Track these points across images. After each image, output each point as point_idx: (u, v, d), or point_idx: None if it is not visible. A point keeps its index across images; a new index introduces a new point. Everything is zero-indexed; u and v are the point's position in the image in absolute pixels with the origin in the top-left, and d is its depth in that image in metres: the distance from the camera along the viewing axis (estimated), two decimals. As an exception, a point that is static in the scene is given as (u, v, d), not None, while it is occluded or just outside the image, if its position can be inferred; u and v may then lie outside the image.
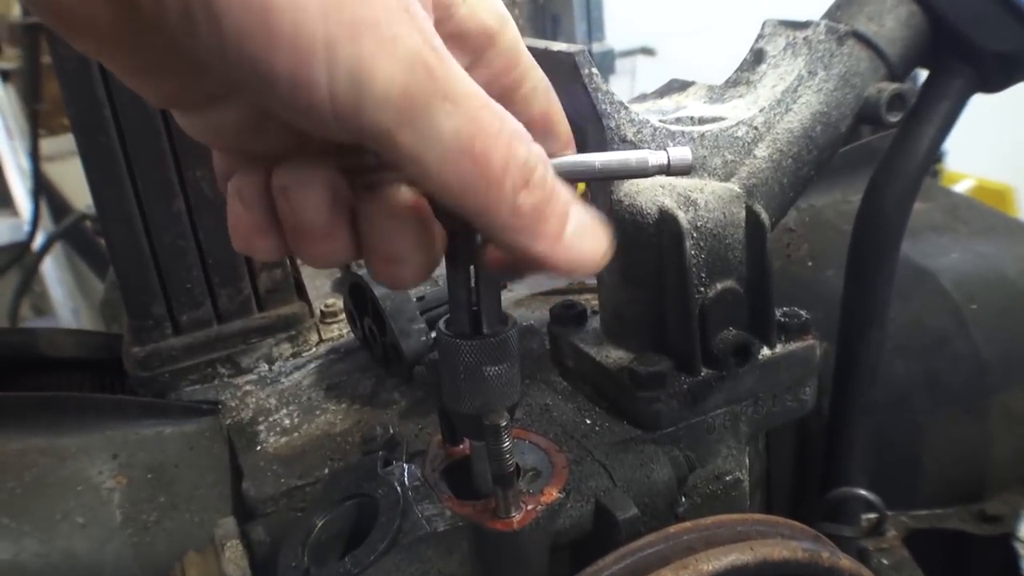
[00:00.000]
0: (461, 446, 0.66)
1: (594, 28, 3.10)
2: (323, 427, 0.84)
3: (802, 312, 0.76)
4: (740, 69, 0.82)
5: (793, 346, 0.75)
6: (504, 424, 0.54)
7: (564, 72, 0.65)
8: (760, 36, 0.82)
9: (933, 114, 0.80)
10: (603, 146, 0.68)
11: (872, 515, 0.89)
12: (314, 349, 0.98)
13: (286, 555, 0.60)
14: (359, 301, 0.92)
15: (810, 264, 1.09)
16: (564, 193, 0.44)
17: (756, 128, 0.74)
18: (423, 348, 0.86)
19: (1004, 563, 1.00)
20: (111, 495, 0.79)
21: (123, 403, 0.87)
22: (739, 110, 0.76)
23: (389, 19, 0.36)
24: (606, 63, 3.09)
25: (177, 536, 0.78)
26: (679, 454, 0.69)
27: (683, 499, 0.69)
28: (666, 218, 0.68)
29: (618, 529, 0.61)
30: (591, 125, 0.68)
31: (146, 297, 0.90)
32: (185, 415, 0.88)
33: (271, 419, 0.86)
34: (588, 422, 0.74)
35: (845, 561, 0.60)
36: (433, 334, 0.85)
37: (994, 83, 0.80)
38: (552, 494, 0.61)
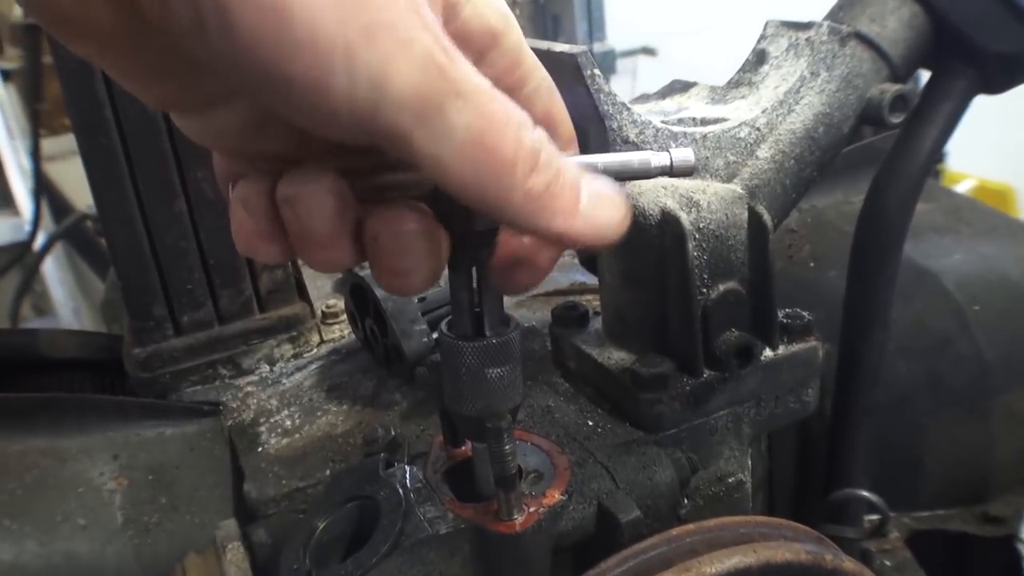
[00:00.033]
0: (463, 448, 0.66)
1: (595, 28, 3.10)
2: (324, 428, 0.84)
3: (804, 313, 0.76)
4: (742, 70, 0.82)
5: (795, 347, 0.74)
6: (506, 426, 0.54)
7: (566, 73, 0.65)
8: (762, 37, 0.82)
9: (936, 115, 0.80)
10: (605, 147, 0.68)
11: (874, 516, 0.89)
12: (315, 350, 0.98)
13: (287, 557, 0.60)
14: (360, 302, 0.92)
15: (812, 265, 1.09)
16: (572, 168, 0.45)
17: (758, 129, 0.74)
18: (425, 349, 0.86)
19: (1007, 565, 1.00)
20: (112, 496, 0.79)
21: (124, 404, 0.86)
22: (741, 111, 0.76)
23: (404, 21, 0.37)
24: (607, 63, 3.09)
25: (178, 538, 0.78)
26: (681, 456, 0.69)
27: (685, 501, 0.69)
28: (668, 219, 0.68)
29: (620, 531, 0.61)
30: (593, 126, 0.68)
31: (147, 298, 0.90)
32: (186, 416, 0.87)
33: (272, 420, 0.86)
34: (590, 424, 0.73)
35: (848, 563, 0.60)
36: (435, 335, 0.85)
37: (997, 84, 0.80)
38: (554, 496, 0.60)
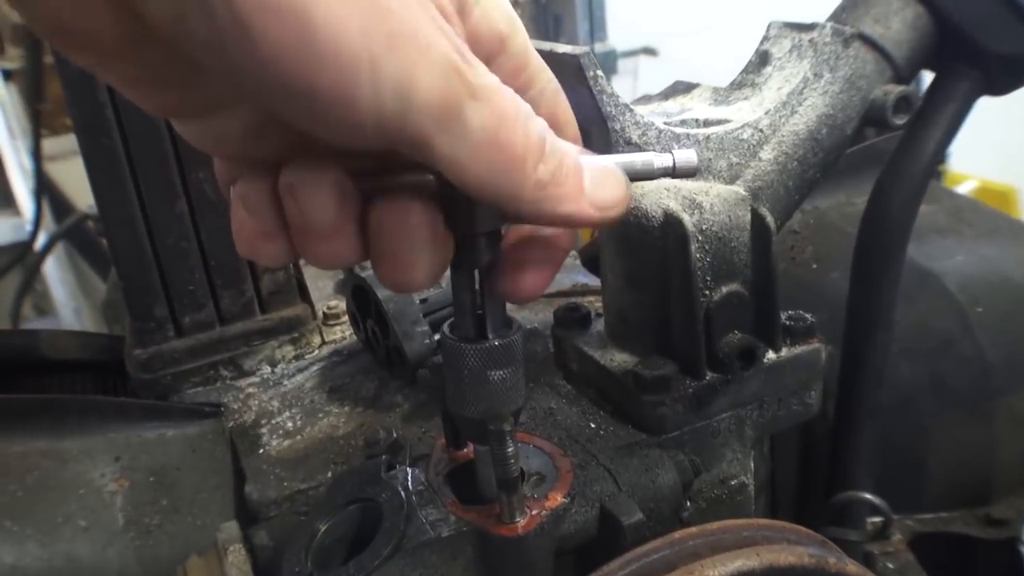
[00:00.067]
0: (465, 450, 0.65)
1: (596, 28, 3.09)
2: (326, 430, 0.84)
3: (807, 315, 0.75)
4: (745, 71, 0.82)
5: (798, 350, 0.74)
6: (509, 429, 0.54)
7: (569, 74, 0.65)
8: (765, 38, 0.82)
9: (939, 117, 0.79)
10: (608, 148, 0.68)
11: (877, 519, 0.89)
12: (317, 351, 0.98)
13: (289, 560, 0.60)
14: (362, 303, 0.91)
15: (814, 266, 1.09)
16: (571, 151, 0.46)
17: (761, 131, 0.74)
18: (426, 351, 0.85)
19: (1010, 567, 1.00)
20: (113, 498, 0.79)
21: (125, 405, 0.86)
22: (744, 112, 0.76)
23: (423, 28, 0.37)
24: (608, 63, 3.08)
25: (179, 540, 0.78)
26: (684, 458, 0.69)
27: (688, 504, 0.69)
28: (671, 221, 0.68)
29: (623, 534, 0.61)
30: (596, 127, 0.67)
31: (148, 299, 0.90)
32: (187, 418, 0.87)
33: (274, 422, 0.86)
34: (592, 426, 0.73)
35: (852, 567, 0.60)
36: (436, 337, 0.85)
37: (1001, 86, 0.79)
38: (557, 499, 0.60)
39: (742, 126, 0.73)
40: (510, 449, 0.54)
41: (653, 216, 0.69)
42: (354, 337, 0.99)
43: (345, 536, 0.63)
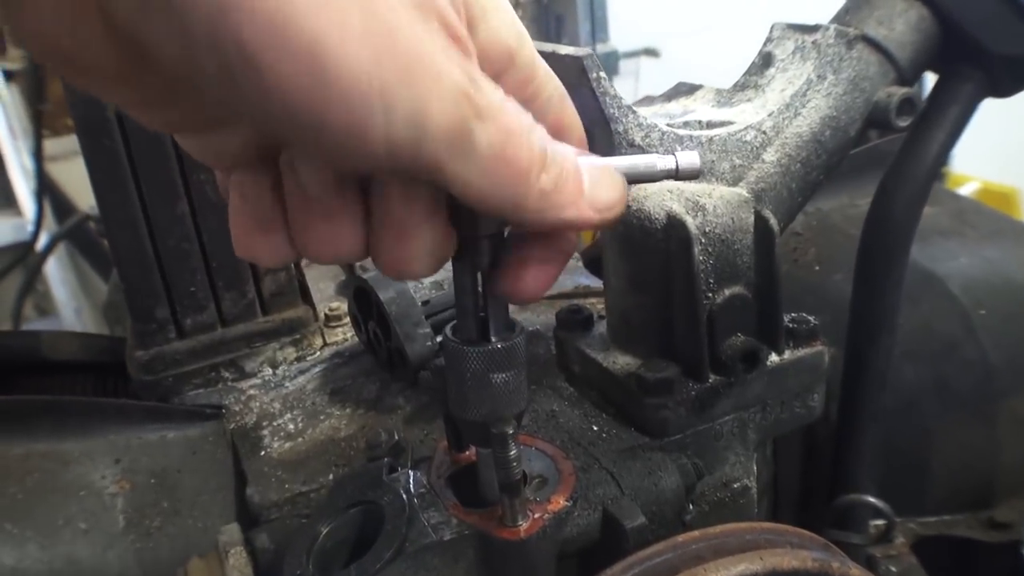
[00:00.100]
0: (467, 453, 0.65)
1: (598, 29, 3.09)
2: (327, 432, 0.83)
3: (810, 318, 0.75)
4: (748, 73, 0.82)
5: (801, 352, 0.74)
6: (511, 432, 0.54)
7: (572, 75, 0.65)
8: (768, 40, 0.82)
9: (943, 119, 0.79)
10: (611, 150, 0.67)
11: (880, 522, 0.88)
12: (318, 353, 0.98)
13: (290, 563, 0.60)
14: (364, 305, 0.91)
15: (817, 268, 1.08)
16: (569, 155, 0.46)
17: (765, 132, 0.74)
18: (428, 353, 0.85)
19: (1012, 570, 1.00)
20: (114, 500, 0.79)
21: (126, 407, 0.86)
22: (747, 114, 0.75)
23: (433, 54, 0.37)
24: (610, 64, 3.08)
25: (180, 542, 0.78)
26: (687, 461, 0.69)
27: (691, 507, 0.69)
28: (674, 223, 0.67)
29: (626, 538, 0.60)
30: (599, 129, 0.67)
31: (150, 300, 0.90)
32: (188, 419, 0.87)
33: (275, 424, 0.86)
34: (595, 429, 0.73)
35: (855, 571, 0.60)
36: (438, 338, 0.85)
37: (1005, 88, 0.79)
38: (559, 502, 0.60)
39: (745, 128, 0.73)
40: (512, 452, 0.54)
41: (656, 218, 0.69)
42: (356, 339, 0.98)
43: (347, 539, 0.63)
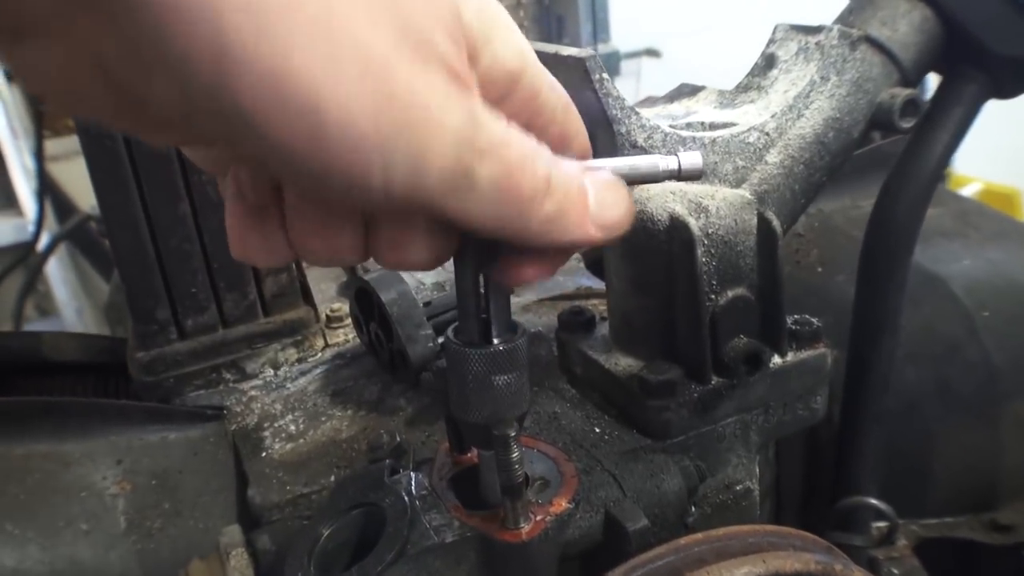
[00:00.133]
0: (469, 454, 0.65)
1: (599, 29, 3.08)
2: (329, 433, 0.83)
3: (813, 320, 0.75)
4: (751, 74, 0.81)
5: (804, 354, 0.74)
6: (513, 434, 0.53)
7: (574, 77, 0.65)
8: (771, 41, 0.82)
9: (947, 120, 0.79)
10: (613, 151, 0.67)
11: (882, 524, 0.88)
12: (320, 354, 0.98)
13: (292, 564, 0.60)
14: (365, 306, 0.91)
15: (819, 270, 1.08)
16: (574, 174, 0.46)
17: (768, 134, 0.73)
18: (430, 354, 0.85)
19: (1015, 573, 0.99)
20: (115, 501, 0.79)
21: (127, 408, 0.86)
22: (750, 115, 0.75)
23: (432, 102, 0.37)
24: (611, 64, 3.08)
25: (181, 543, 0.77)
26: (689, 463, 0.69)
27: (693, 509, 0.69)
28: (677, 225, 0.67)
29: (628, 540, 0.60)
30: (601, 130, 0.67)
31: (151, 301, 0.89)
32: (190, 421, 0.87)
33: (276, 425, 0.85)
34: (597, 431, 0.73)
35: (858, 574, 0.59)
36: (440, 340, 0.85)
37: (1009, 89, 0.79)
38: (561, 504, 0.60)
39: (748, 129, 0.73)
40: (515, 454, 0.54)
41: (659, 220, 0.68)
42: (357, 340, 0.98)
43: (348, 541, 0.63)
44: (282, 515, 0.73)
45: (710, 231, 0.68)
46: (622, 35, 3.22)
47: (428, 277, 1.11)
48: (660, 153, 0.68)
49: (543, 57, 0.49)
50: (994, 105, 0.82)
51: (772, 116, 0.74)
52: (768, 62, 0.81)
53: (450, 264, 0.52)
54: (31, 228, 2.61)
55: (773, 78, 0.79)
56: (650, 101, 0.86)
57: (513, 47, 0.45)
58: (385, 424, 0.83)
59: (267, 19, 0.32)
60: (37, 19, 0.32)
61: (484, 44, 0.42)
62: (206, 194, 0.88)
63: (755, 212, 0.69)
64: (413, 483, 0.64)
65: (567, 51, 0.65)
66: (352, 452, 0.80)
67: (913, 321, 0.98)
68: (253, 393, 0.92)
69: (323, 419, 0.86)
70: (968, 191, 2.68)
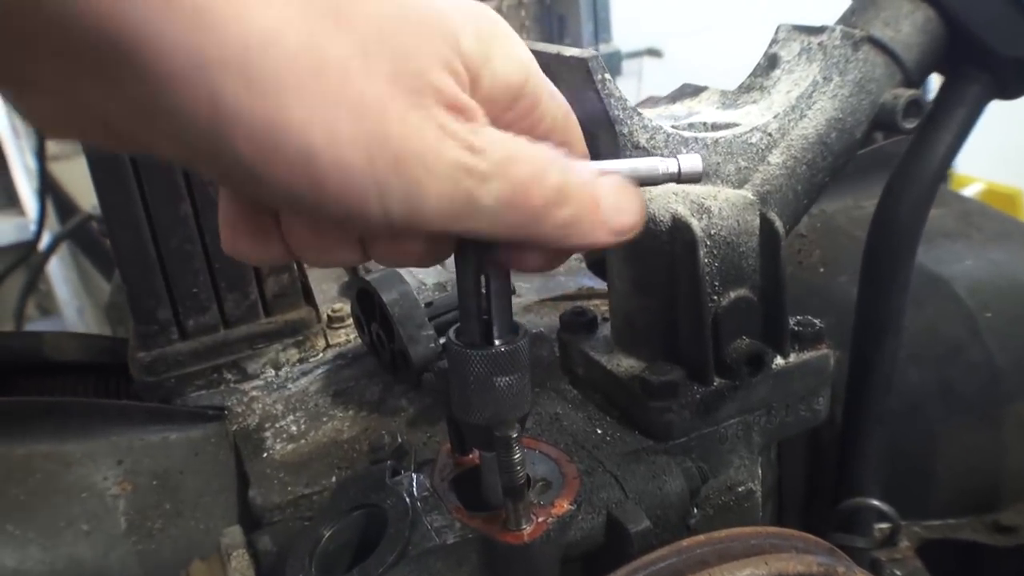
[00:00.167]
0: (470, 455, 0.65)
1: (601, 29, 3.08)
2: (330, 434, 0.83)
3: (816, 321, 0.75)
4: (754, 74, 0.81)
5: (807, 355, 0.74)
6: (515, 435, 0.53)
7: (576, 77, 0.65)
8: (774, 41, 0.81)
9: (950, 121, 0.79)
10: (615, 152, 0.67)
11: (885, 525, 0.88)
12: (321, 354, 0.98)
13: (293, 565, 0.59)
14: (367, 306, 0.91)
15: (822, 270, 1.08)
16: (587, 180, 0.47)
17: (770, 134, 0.73)
18: (431, 355, 0.85)
19: (1018, 575, 0.99)
20: (116, 502, 0.79)
21: (128, 408, 0.86)
22: (753, 116, 0.75)
23: (426, 141, 0.38)
24: (613, 65, 3.08)
25: (182, 544, 0.77)
26: (691, 465, 0.68)
27: (695, 510, 0.69)
28: (679, 226, 0.67)
29: (630, 542, 0.60)
30: (603, 131, 0.67)
31: (152, 302, 0.89)
32: (191, 421, 0.87)
33: (278, 425, 0.85)
34: (599, 432, 0.73)
35: (860, 575, 0.59)
36: (442, 340, 0.85)
37: (1012, 90, 0.79)
38: (563, 506, 0.60)
39: (751, 130, 0.72)
40: (516, 456, 0.54)
41: (661, 221, 0.68)
42: (358, 340, 0.98)
43: (349, 542, 0.63)
44: (283, 516, 0.73)
45: (712, 232, 0.67)
46: (623, 35, 3.22)
47: (430, 277, 1.11)
48: (662, 154, 0.68)
49: (545, 58, 0.49)
50: (996, 105, 0.82)
51: (775, 117, 0.74)
52: (771, 62, 0.80)
53: (451, 264, 0.52)
54: (33, 227, 2.61)
55: (776, 78, 0.79)
56: (652, 101, 0.85)
57: (514, 60, 0.45)
58: (386, 425, 0.83)
59: (258, 75, 0.34)
60: (44, 79, 0.35)
61: (484, 65, 0.43)
62: (207, 194, 0.88)
63: (757, 213, 0.69)
64: (414, 484, 0.64)
65: (569, 52, 0.65)
66: (353, 453, 0.79)
67: (916, 322, 0.97)
68: (254, 393, 0.91)
69: (324, 420, 0.86)
70: (970, 191, 2.68)
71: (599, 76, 0.64)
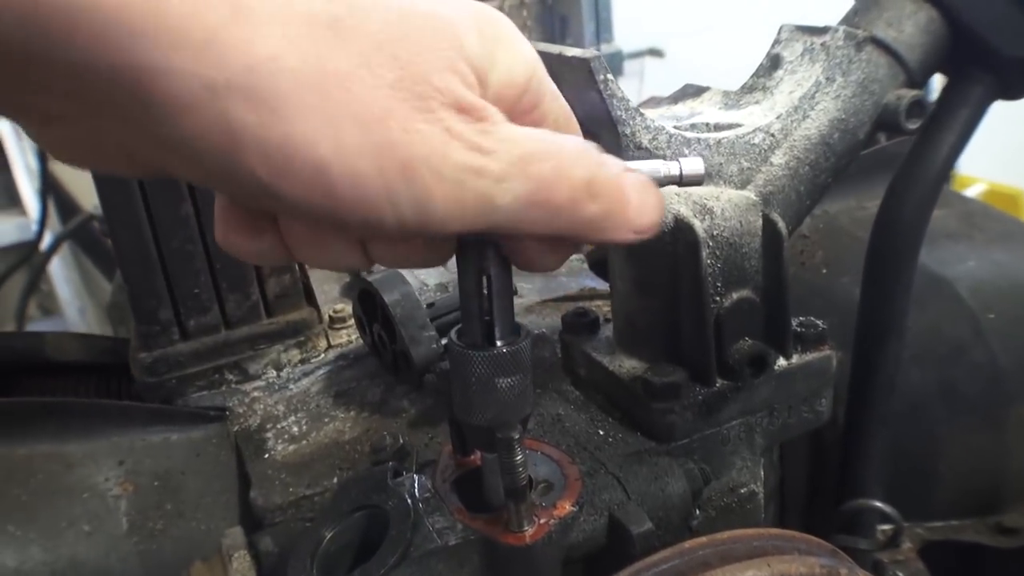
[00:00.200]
0: (472, 457, 0.65)
1: (603, 29, 3.08)
2: (332, 435, 0.83)
3: (818, 322, 0.75)
4: (756, 75, 0.81)
5: (809, 356, 0.73)
6: (517, 437, 0.53)
7: (579, 77, 0.64)
8: (777, 41, 0.81)
9: (953, 121, 0.79)
10: (618, 153, 0.67)
11: (887, 527, 0.88)
12: (323, 355, 0.98)
13: (294, 566, 0.59)
14: (368, 307, 0.91)
15: (824, 271, 1.08)
16: (616, 172, 0.47)
17: (773, 135, 0.73)
18: (433, 355, 0.85)
19: (1021, 576, 0.99)
20: (117, 502, 0.78)
21: (130, 409, 0.86)
22: (755, 116, 0.75)
23: (433, 147, 0.39)
24: (614, 65, 3.08)
25: (183, 544, 0.77)
26: (694, 466, 0.68)
27: (697, 512, 0.68)
28: (682, 226, 0.67)
29: (632, 543, 0.60)
30: (605, 131, 0.67)
31: (153, 302, 0.89)
32: (192, 422, 0.87)
33: (279, 426, 0.85)
34: (601, 433, 0.73)
35: (863, 578, 0.59)
36: (443, 341, 0.84)
37: (1015, 90, 0.79)
38: (565, 507, 0.60)
39: (753, 130, 0.72)
40: (518, 457, 0.53)
41: (663, 221, 0.68)
42: (360, 341, 0.98)
43: (351, 543, 0.63)
44: (285, 517, 0.73)
45: (715, 233, 0.67)
46: (625, 35, 3.22)
47: (431, 278, 1.11)
48: (665, 155, 0.68)
49: (547, 58, 0.49)
50: (999, 106, 0.82)
51: (777, 117, 0.73)
52: (773, 63, 0.80)
53: (453, 265, 0.52)
54: (34, 227, 2.61)
55: (778, 79, 0.79)
56: (654, 102, 0.85)
57: (520, 60, 0.45)
58: (388, 426, 0.83)
59: (265, 96, 0.35)
60: (65, 114, 0.36)
61: (491, 67, 0.43)
62: (209, 194, 0.88)
63: (760, 214, 0.69)
64: (416, 485, 0.63)
65: (571, 52, 0.65)
66: (355, 454, 0.79)
67: (918, 323, 0.97)
68: (256, 394, 0.91)
69: (326, 420, 0.85)
70: (973, 192, 2.68)
71: (601, 76, 0.64)
